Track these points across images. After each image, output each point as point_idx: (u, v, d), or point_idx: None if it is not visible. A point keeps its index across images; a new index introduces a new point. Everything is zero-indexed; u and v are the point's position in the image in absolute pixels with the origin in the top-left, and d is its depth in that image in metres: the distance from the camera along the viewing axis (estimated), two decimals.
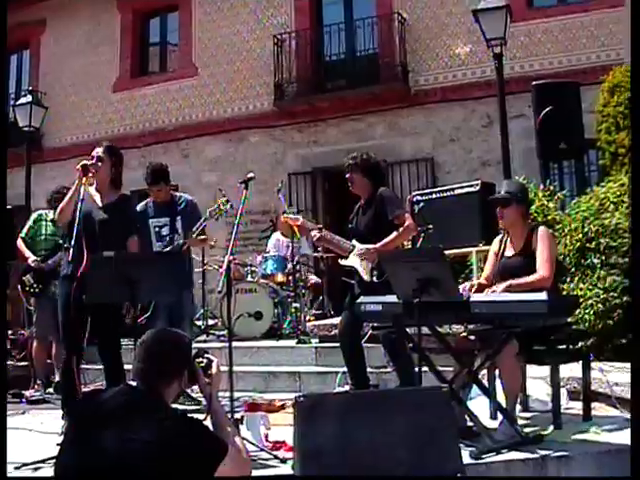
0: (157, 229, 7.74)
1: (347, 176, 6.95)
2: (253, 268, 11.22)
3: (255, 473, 4.19)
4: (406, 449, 3.71)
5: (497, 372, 5.71)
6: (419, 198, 8.76)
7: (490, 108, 13.62)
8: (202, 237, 7.63)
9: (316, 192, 15.03)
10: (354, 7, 16.21)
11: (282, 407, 7.17)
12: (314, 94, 15.67)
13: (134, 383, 3.48)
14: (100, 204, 6.14)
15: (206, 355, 3.97)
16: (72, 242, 5.32)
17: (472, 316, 4.99)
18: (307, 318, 10.64)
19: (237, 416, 5.59)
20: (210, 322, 11.53)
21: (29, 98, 15.22)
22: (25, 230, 9.23)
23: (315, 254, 11.93)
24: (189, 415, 3.43)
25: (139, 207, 7.84)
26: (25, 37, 20.23)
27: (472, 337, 5.54)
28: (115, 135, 17.50)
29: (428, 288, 4.91)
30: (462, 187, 8.73)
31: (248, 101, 16.49)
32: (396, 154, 14.52)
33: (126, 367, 6.29)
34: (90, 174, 5.87)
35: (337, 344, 7.49)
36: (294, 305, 10.56)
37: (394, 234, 6.59)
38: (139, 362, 3.50)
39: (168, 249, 7.48)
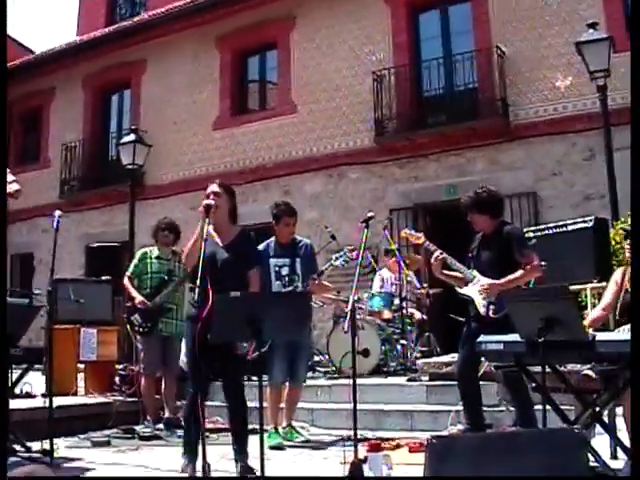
0: (277, 268, 7.87)
1: (468, 219, 6.98)
2: (359, 305, 11.20)
3: None
4: None
5: (619, 410, 5.62)
6: (531, 234, 8.69)
7: (591, 141, 13.45)
8: (326, 283, 7.76)
9: (418, 227, 14.92)
10: (452, 42, 16.17)
11: (397, 446, 7.15)
12: (414, 130, 15.64)
13: None
14: (221, 243, 6.21)
15: None
16: (197, 283, 5.38)
17: (597, 355, 4.90)
18: (414, 355, 10.60)
19: (360, 456, 5.57)
20: (316, 359, 11.56)
21: (133, 137, 15.53)
22: (131, 268, 9.38)
23: (420, 290, 11.88)
24: None
25: (261, 246, 7.96)
26: (126, 76, 20.84)
27: (594, 376, 5.46)
28: (216, 172, 17.64)
29: (553, 327, 4.85)
30: (575, 223, 8.63)
31: (348, 137, 16.54)
32: (497, 189, 14.39)
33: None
34: (212, 213, 5.95)
35: (448, 382, 7.47)
36: (401, 342, 10.51)
37: (520, 272, 6.57)
38: None
39: (289, 289, 7.59)
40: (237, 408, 6.20)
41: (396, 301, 10.98)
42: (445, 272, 7.11)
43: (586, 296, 8.55)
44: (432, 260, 7.11)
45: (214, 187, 6.28)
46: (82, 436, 8.81)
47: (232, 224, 6.40)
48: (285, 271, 7.83)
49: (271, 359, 7.53)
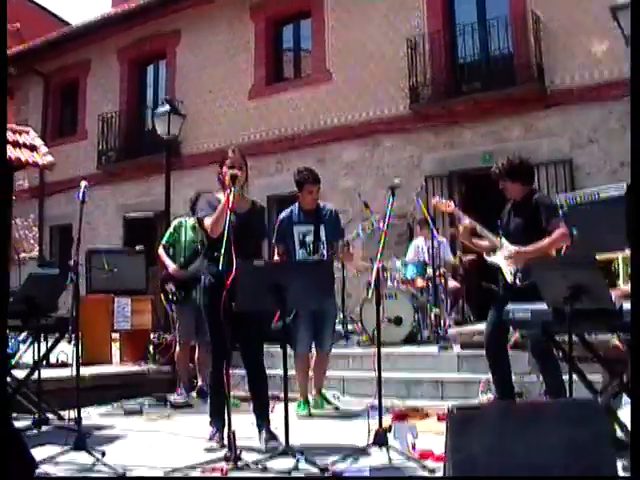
0: (301, 236, 7.81)
1: (500, 187, 6.93)
2: (392, 273, 11.17)
3: None
4: (561, 463, 3.63)
5: None
6: (564, 202, 8.58)
7: (629, 107, 13.21)
8: (354, 252, 7.73)
9: (453, 195, 14.79)
10: (487, 7, 15.91)
11: (426, 415, 7.16)
12: (449, 97, 15.48)
13: None
14: (236, 214, 6.19)
15: None
16: (222, 251, 5.38)
17: (624, 324, 4.85)
18: (447, 324, 10.57)
19: (385, 424, 5.58)
20: (349, 327, 11.56)
21: (167, 107, 15.52)
22: (166, 237, 9.46)
23: (455, 258, 11.83)
24: None
25: (284, 213, 7.95)
26: (161, 47, 20.87)
27: (622, 346, 5.42)
28: (252, 142, 17.75)
29: (580, 296, 4.80)
30: (608, 189, 8.51)
31: (383, 105, 16.42)
32: (533, 156, 14.13)
33: (268, 372, 6.39)
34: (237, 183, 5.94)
35: (480, 351, 7.44)
36: (434, 310, 10.49)
37: (547, 240, 6.52)
38: None
39: (315, 258, 7.57)
40: (256, 374, 6.23)
41: (430, 269, 10.92)
42: (474, 240, 7.07)
43: (618, 265, 8.45)
44: (461, 228, 7.08)
45: (238, 157, 6.29)
46: (115, 404, 8.92)
47: (245, 195, 6.42)
48: (309, 238, 7.77)
49: (295, 329, 7.53)
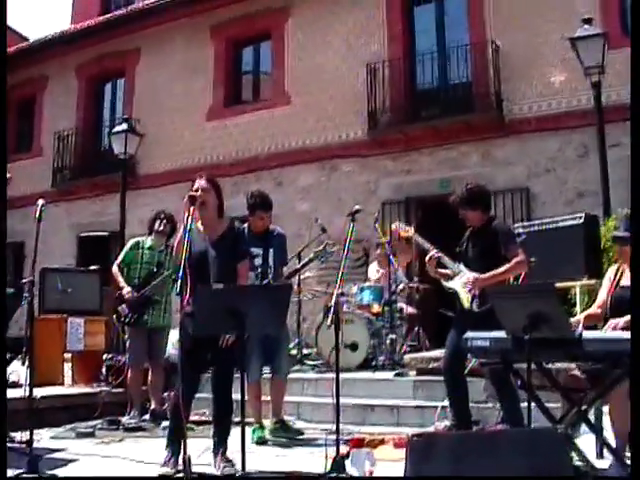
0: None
1: (460, 215, 6.95)
2: (348, 298, 11.14)
3: None
4: None
5: (605, 409, 5.59)
6: (521, 230, 8.63)
7: (586, 137, 13.38)
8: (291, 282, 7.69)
9: (410, 221, 14.87)
10: (447, 35, 16.08)
11: (382, 442, 7.11)
12: (407, 123, 15.57)
13: None
14: (211, 239, 6.15)
15: None
16: (179, 274, 5.32)
17: (584, 353, 4.85)
18: (404, 350, 10.56)
19: (342, 451, 5.53)
20: (305, 351, 11.51)
21: (124, 126, 15.45)
22: (121, 257, 9.34)
23: (411, 284, 11.83)
24: None
25: None
26: (120, 65, 20.78)
27: (581, 375, 5.42)
28: (208, 163, 17.69)
29: (539, 324, 4.80)
30: (565, 219, 8.57)
31: (341, 130, 16.46)
32: (490, 184, 14.19)
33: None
34: (197, 204, 5.88)
35: (436, 377, 7.43)
36: (390, 336, 10.47)
37: (505, 267, 6.55)
38: None
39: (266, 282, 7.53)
40: (222, 399, 6.14)
41: (386, 295, 10.91)
42: (440, 271, 7.06)
43: (575, 294, 8.50)
44: (427, 260, 7.05)
45: (201, 182, 6.22)
46: (67, 427, 8.77)
47: (220, 219, 6.35)
48: (258, 261, 7.68)
49: (247, 354, 7.43)
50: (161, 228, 9.19)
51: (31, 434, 5.83)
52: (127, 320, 9.05)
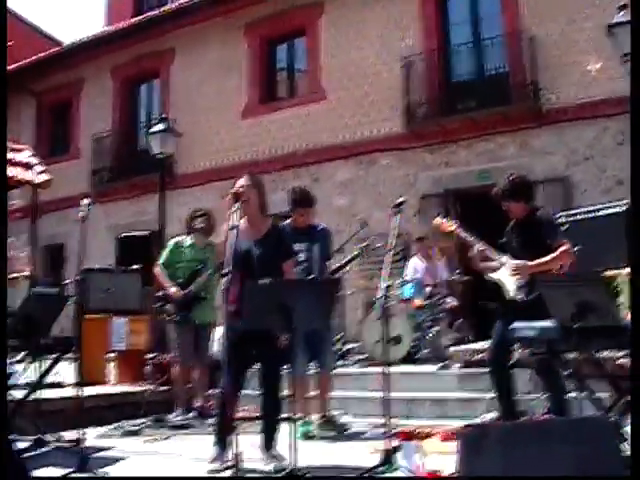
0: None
1: (503, 208, 6.89)
2: (390, 292, 11.10)
3: None
4: None
5: None
6: (564, 219, 8.56)
7: (623, 125, 13.25)
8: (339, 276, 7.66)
9: (449, 213, 14.79)
10: (482, 26, 16.00)
11: (429, 434, 7.09)
12: (444, 116, 15.52)
13: None
14: (254, 238, 6.16)
15: None
16: (226, 271, 5.33)
17: None
18: (446, 343, 10.54)
19: (392, 444, 5.52)
20: (348, 346, 11.50)
21: (162, 126, 15.46)
22: (163, 258, 9.35)
23: (453, 277, 11.79)
24: None
25: None
26: (155, 66, 20.85)
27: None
28: (245, 161, 17.72)
29: (587, 313, 4.77)
30: (607, 207, 8.51)
31: (378, 124, 16.42)
32: (528, 174, 14.16)
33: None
34: (240, 202, 5.88)
35: (481, 370, 7.38)
36: (433, 329, 10.44)
37: (551, 256, 6.47)
38: None
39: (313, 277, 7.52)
40: (271, 396, 6.15)
41: (427, 288, 10.89)
42: (486, 264, 7.00)
43: (620, 282, 8.40)
44: (472, 254, 7.00)
45: (244, 180, 6.23)
46: (113, 426, 8.82)
47: (263, 217, 6.35)
48: (302, 256, 7.67)
49: (293, 349, 7.44)
50: (200, 226, 9.21)
51: (82, 433, 5.86)
52: (176, 319, 9.08)
